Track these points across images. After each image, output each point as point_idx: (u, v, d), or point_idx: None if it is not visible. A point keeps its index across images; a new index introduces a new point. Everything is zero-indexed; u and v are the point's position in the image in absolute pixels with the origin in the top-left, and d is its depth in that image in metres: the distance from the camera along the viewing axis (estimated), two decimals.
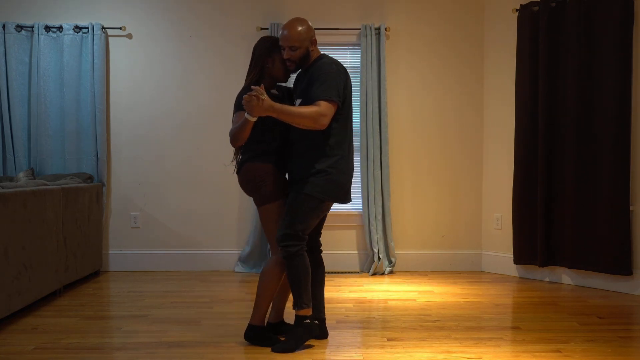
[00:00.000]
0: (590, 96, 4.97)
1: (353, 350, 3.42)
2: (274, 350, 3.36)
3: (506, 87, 5.61)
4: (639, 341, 3.75)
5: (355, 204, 5.78)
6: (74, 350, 3.41)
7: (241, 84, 3.64)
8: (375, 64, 5.66)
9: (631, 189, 4.84)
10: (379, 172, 5.68)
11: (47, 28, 5.63)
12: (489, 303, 4.58)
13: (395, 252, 5.77)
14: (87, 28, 5.65)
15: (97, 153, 5.68)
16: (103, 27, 5.69)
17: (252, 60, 3.49)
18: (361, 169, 5.70)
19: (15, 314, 4.10)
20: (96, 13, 5.76)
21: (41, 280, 4.33)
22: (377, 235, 5.67)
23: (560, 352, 3.37)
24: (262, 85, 3.24)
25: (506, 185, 5.58)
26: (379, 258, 5.67)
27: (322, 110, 3.21)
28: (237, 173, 3.50)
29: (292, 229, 3.31)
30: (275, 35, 5.53)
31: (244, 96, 3.17)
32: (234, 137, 3.32)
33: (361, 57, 5.67)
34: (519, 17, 5.41)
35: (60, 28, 5.64)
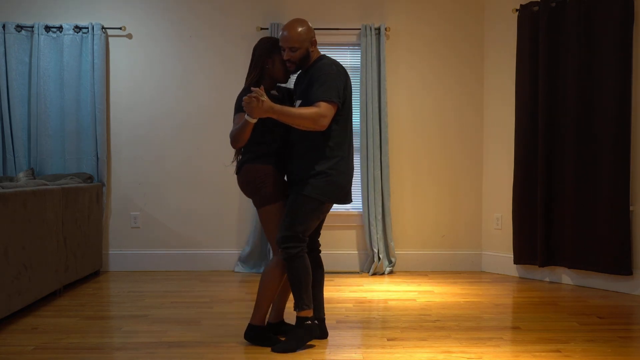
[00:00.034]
0: (590, 96, 4.98)
1: (353, 350, 3.42)
2: (274, 350, 3.36)
3: (506, 87, 5.61)
4: (639, 341, 3.75)
5: (355, 204, 5.78)
6: (74, 350, 3.41)
7: (241, 84, 3.64)
8: (375, 64, 5.66)
9: (631, 189, 4.85)
10: (379, 172, 5.68)
11: (47, 28, 5.63)
12: (489, 303, 4.58)
13: (395, 252, 5.77)
14: (87, 28, 5.65)
15: (97, 153, 5.68)
16: (103, 27, 5.69)
17: (252, 61, 3.49)
18: (361, 169, 5.70)
19: (15, 314, 4.10)
20: (96, 13, 5.77)
21: (41, 280, 4.33)
22: (377, 235, 5.67)
23: (560, 352, 3.37)
24: (262, 87, 3.24)
25: (506, 185, 5.58)
26: (379, 258, 5.67)
27: (322, 112, 3.21)
28: (237, 174, 3.50)
29: (292, 230, 3.31)
30: (275, 36, 5.55)
31: (244, 98, 3.17)
32: (234, 139, 3.32)
33: (361, 57, 5.67)
34: (519, 17, 5.41)
35: (60, 28, 5.64)
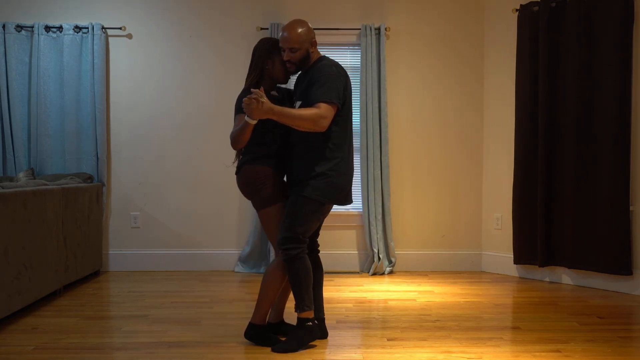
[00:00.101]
0: (590, 96, 4.98)
1: (353, 350, 3.42)
2: (274, 350, 3.36)
3: (506, 87, 5.62)
4: (639, 341, 3.75)
5: (355, 204, 5.78)
6: (74, 350, 3.41)
7: (241, 84, 3.64)
8: (375, 64, 5.66)
9: (631, 189, 4.85)
10: (379, 172, 5.68)
11: (47, 28, 5.63)
12: (489, 303, 4.58)
13: (395, 252, 5.77)
14: (87, 28, 5.65)
15: (97, 153, 5.68)
16: (103, 27, 5.69)
17: (252, 61, 3.49)
18: (361, 169, 5.70)
19: (15, 314, 4.10)
20: (96, 13, 5.77)
21: (41, 280, 4.33)
22: (377, 235, 5.67)
23: (560, 352, 3.37)
24: (262, 88, 3.24)
25: (506, 185, 5.58)
26: (379, 258, 5.67)
27: (321, 113, 3.21)
28: (237, 174, 3.50)
29: (292, 231, 3.31)
30: (276, 36, 5.55)
31: (244, 99, 3.17)
32: (234, 140, 3.32)
33: (361, 57, 5.67)
34: (519, 17, 5.41)
35: (60, 28, 5.64)
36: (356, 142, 5.69)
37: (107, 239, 5.84)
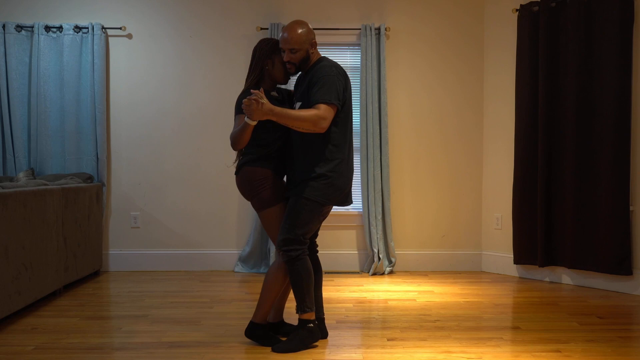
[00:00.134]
0: (590, 96, 4.98)
1: (353, 350, 3.42)
2: (274, 350, 3.37)
3: (506, 87, 5.62)
4: (639, 341, 3.75)
5: (355, 204, 5.78)
6: (74, 350, 3.41)
7: (241, 84, 3.64)
8: (375, 64, 5.66)
9: (631, 189, 4.85)
10: (379, 172, 5.68)
11: (47, 28, 5.63)
12: (489, 303, 4.58)
13: (395, 252, 5.77)
14: (87, 28, 5.65)
15: (97, 153, 5.68)
16: (103, 27, 5.69)
17: (252, 62, 3.49)
18: (361, 169, 5.70)
19: (15, 314, 4.10)
20: (96, 13, 5.77)
21: (41, 280, 4.33)
22: (377, 235, 5.67)
23: (560, 352, 3.37)
24: (262, 89, 3.24)
25: (506, 185, 5.58)
26: (379, 258, 5.67)
27: (321, 114, 3.21)
28: (236, 174, 3.50)
29: (292, 233, 3.31)
30: (276, 36, 5.56)
31: (244, 100, 3.17)
32: (234, 141, 3.32)
33: (361, 57, 5.67)
34: (519, 17, 5.41)
35: (60, 28, 5.64)
36: (356, 142, 5.70)
37: (107, 239, 5.84)
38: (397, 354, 3.35)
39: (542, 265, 5.26)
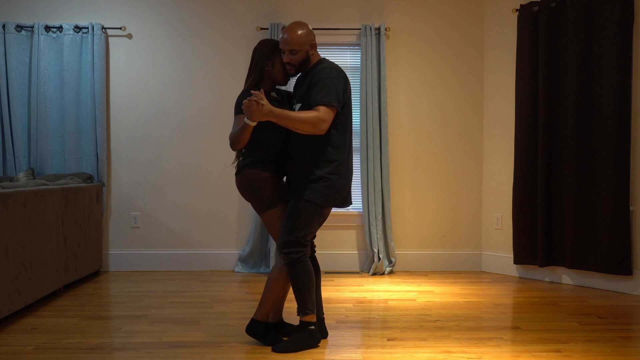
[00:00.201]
0: (590, 96, 4.98)
1: (353, 350, 3.42)
2: (274, 350, 3.37)
3: (506, 87, 5.62)
4: (639, 341, 3.75)
5: (355, 204, 5.78)
6: (74, 350, 3.41)
7: (241, 84, 3.64)
8: (375, 64, 5.66)
9: (631, 189, 4.85)
10: (379, 172, 5.68)
11: (47, 28, 5.63)
12: (489, 303, 4.58)
13: (395, 252, 5.77)
14: (87, 28, 5.65)
15: (97, 153, 5.68)
16: (103, 27, 5.69)
17: (251, 62, 3.49)
18: (361, 169, 5.70)
19: (15, 314, 4.10)
20: (96, 13, 5.77)
21: (41, 280, 4.33)
22: (377, 235, 5.67)
23: (560, 352, 3.37)
24: (262, 90, 3.24)
25: (506, 185, 5.58)
26: (379, 258, 5.67)
27: (321, 116, 3.21)
28: (236, 175, 3.50)
29: (293, 235, 3.31)
30: (276, 36, 5.56)
31: (244, 101, 3.17)
32: (233, 141, 3.32)
33: (361, 57, 5.67)
34: (519, 17, 5.41)
35: (60, 28, 5.64)
36: (356, 142, 5.70)
37: (107, 239, 5.84)
38: (397, 354, 3.35)
39: (542, 265, 5.26)
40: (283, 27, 5.49)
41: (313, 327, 3.41)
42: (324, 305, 3.85)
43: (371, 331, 3.85)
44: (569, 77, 5.07)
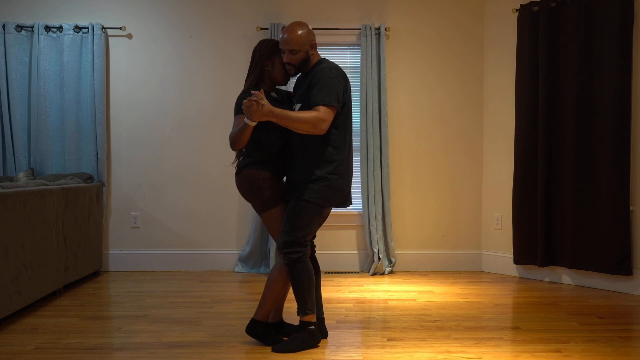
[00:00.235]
0: (590, 96, 4.98)
1: (353, 350, 3.42)
2: (274, 350, 3.37)
3: (506, 87, 5.62)
4: (639, 341, 3.75)
5: (355, 204, 5.78)
6: (74, 350, 3.41)
7: (241, 84, 3.65)
8: (375, 64, 5.66)
9: (631, 189, 4.85)
10: (379, 172, 5.68)
11: (47, 28, 5.63)
12: (489, 303, 4.58)
13: (395, 252, 5.77)
14: (87, 28, 5.65)
15: (97, 153, 5.68)
16: (103, 27, 5.69)
17: (251, 62, 3.49)
18: (361, 169, 5.70)
19: (15, 314, 4.10)
20: (96, 13, 5.77)
21: (41, 280, 4.33)
22: (377, 235, 5.67)
23: (560, 352, 3.37)
24: (262, 90, 3.24)
25: (506, 185, 5.58)
26: (379, 258, 5.66)
27: (321, 116, 3.21)
28: (236, 175, 3.50)
29: (293, 235, 3.31)
30: (276, 36, 5.56)
31: (244, 101, 3.17)
32: (233, 141, 3.32)
33: (361, 57, 5.66)
34: (519, 17, 5.41)
35: (60, 28, 5.64)
36: (356, 142, 5.70)
37: (107, 239, 5.84)
38: (397, 354, 3.35)
39: (542, 265, 5.26)
40: (283, 27, 5.49)
41: (313, 327, 3.41)
42: (324, 305, 3.85)
43: (371, 331, 3.85)
44: (569, 77, 5.07)
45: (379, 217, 5.67)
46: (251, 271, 5.75)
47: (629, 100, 4.79)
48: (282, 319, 3.69)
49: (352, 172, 3.49)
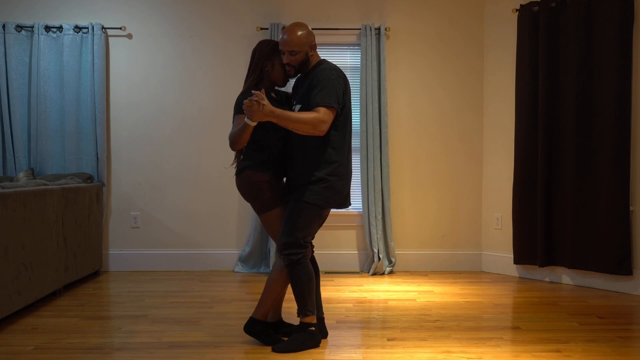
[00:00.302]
0: (590, 96, 4.98)
1: (353, 350, 3.42)
2: (274, 350, 3.37)
3: (506, 87, 5.62)
4: (639, 341, 3.75)
5: (355, 204, 5.78)
6: (74, 350, 3.41)
7: (241, 84, 3.64)
8: (375, 64, 5.66)
9: (631, 189, 4.85)
10: (379, 172, 5.68)
11: (47, 28, 5.63)
12: (489, 303, 4.58)
13: (395, 252, 5.77)
14: (87, 28, 5.65)
15: (97, 153, 5.68)
16: (103, 27, 5.69)
17: (251, 63, 3.49)
18: (361, 169, 5.70)
19: (15, 314, 4.10)
20: (96, 13, 5.77)
21: (41, 280, 4.33)
22: (377, 235, 5.67)
23: (560, 352, 3.37)
24: (263, 90, 3.24)
25: (506, 185, 5.58)
26: (379, 258, 5.66)
27: (321, 117, 3.21)
28: (237, 176, 3.50)
29: (292, 236, 3.31)
30: (276, 36, 5.56)
31: (245, 101, 3.16)
32: (233, 141, 3.32)
33: (361, 57, 5.66)
34: (519, 17, 5.41)
35: (60, 28, 5.64)
36: (356, 142, 5.70)
37: (107, 239, 5.84)
38: (397, 354, 3.35)
39: (542, 265, 5.26)
40: (283, 27, 5.50)
41: (313, 328, 3.41)
42: (324, 305, 3.85)
43: (371, 331, 3.85)
44: (569, 77, 5.07)
45: (379, 217, 5.67)
46: (251, 271, 5.75)
47: (629, 100, 4.79)
48: (281, 319, 3.69)
49: (351, 173, 3.49)
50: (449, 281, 5.39)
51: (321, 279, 5.13)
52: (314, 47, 3.40)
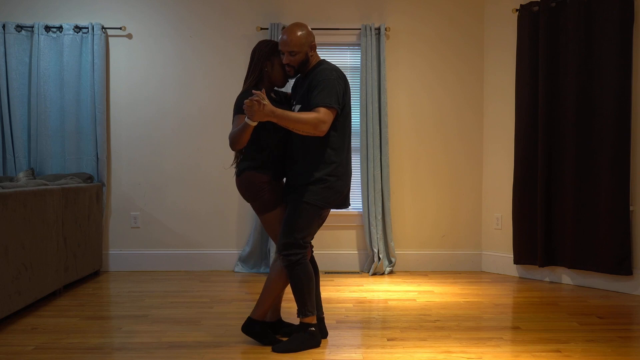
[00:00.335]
0: (590, 96, 4.98)
1: (353, 350, 3.42)
2: (274, 350, 3.37)
3: (506, 87, 5.62)
4: (639, 341, 3.75)
5: (355, 204, 5.78)
6: (74, 350, 3.41)
7: (241, 84, 3.64)
8: (375, 64, 5.66)
9: (631, 189, 4.85)
10: (379, 172, 5.68)
11: (47, 28, 5.63)
12: (489, 303, 4.58)
13: (395, 252, 5.77)
14: (87, 28, 5.65)
15: (97, 153, 5.68)
16: (103, 27, 5.69)
17: (250, 63, 3.49)
18: (361, 169, 5.70)
19: (15, 314, 4.10)
20: (96, 13, 5.77)
21: (41, 280, 4.33)
22: (377, 235, 5.67)
23: (560, 352, 3.37)
24: (264, 90, 3.24)
25: (506, 185, 5.58)
26: (379, 258, 5.66)
27: (321, 117, 3.21)
28: (237, 177, 3.50)
29: (292, 237, 3.31)
30: (276, 36, 5.56)
31: (245, 101, 3.16)
32: (233, 141, 3.32)
33: (361, 57, 5.66)
34: (519, 17, 5.41)
35: (60, 28, 5.64)
36: (356, 142, 5.70)
37: (107, 239, 5.84)
38: (397, 354, 3.35)
39: (542, 265, 5.26)
40: (283, 28, 5.50)
41: (314, 328, 3.41)
42: (324, 305, 3.85)
43: (371, 331, 3.85)
44: (569, 77, 5.07)
45: (379, 217, 5.67)
46: (251, 271, 5.75)
47: (629, 100, 4.79)
48: (280, 319, 3.69)
49: (351, 173, 3.49)
50: (449, 281, 5.39)
51: (321, 279, 5.13)
52: (313, 47, 3.40)
